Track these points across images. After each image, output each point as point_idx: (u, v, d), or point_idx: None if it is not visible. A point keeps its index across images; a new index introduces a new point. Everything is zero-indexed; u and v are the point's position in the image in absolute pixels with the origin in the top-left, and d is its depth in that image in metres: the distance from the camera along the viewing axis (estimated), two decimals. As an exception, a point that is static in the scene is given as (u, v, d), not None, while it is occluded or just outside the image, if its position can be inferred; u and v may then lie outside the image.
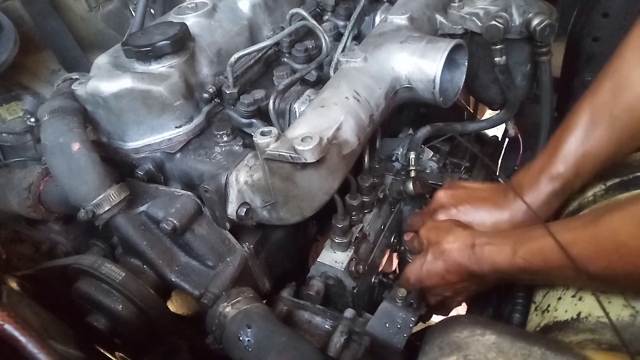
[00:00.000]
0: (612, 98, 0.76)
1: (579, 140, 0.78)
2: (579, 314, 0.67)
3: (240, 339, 0.68)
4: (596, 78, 0.79)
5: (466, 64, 0.91)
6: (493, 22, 0.93)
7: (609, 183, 0.87)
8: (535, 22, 0.93)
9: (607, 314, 0.56)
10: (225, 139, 0.85)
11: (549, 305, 0.75)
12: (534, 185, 0.82)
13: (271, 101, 0.86)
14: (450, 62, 0.88)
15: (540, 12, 0.94)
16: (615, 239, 0.59)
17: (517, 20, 0.96)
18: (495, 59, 0.98)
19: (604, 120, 0.76)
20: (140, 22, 1.37)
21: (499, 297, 0.93)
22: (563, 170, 0.80)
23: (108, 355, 0.81)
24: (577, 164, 0.79)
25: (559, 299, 0.73)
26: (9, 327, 0.44)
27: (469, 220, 0.86)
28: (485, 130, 1.25)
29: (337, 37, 1.06)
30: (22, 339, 0.44)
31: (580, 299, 0.69)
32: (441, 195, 0.90)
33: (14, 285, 0.75)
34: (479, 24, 0.98)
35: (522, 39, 0.99)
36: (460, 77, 0.92)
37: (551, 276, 0.71)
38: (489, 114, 1.60)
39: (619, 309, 0.63)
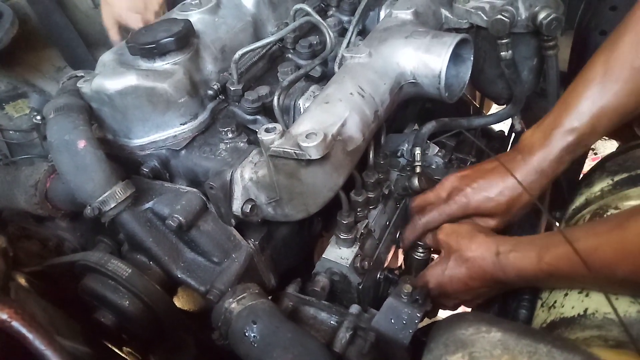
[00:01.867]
0: (633, 51, 0.73)
1: (595, 95, 0.75)
2: (585, 311, 0.67)
3: (246, 334, 0.69)
4: (612, 35, 0.77)
5: (472, 58, 0.91)
6: (499, 16, 0.92)
7: (616, 178, 0.87)
8: (541, 15, 0.92)
9: (615, 310, 0.55)
10: (230, 135, 0.85)
11: (555, 302, 0.74)
12: (545, 142, 0.79)
13: (276, 97, 0.86)
14: (455, 57, 0.87)
15: (546, 6, 0.93)
16: None
17: (523, 14, 0.95)
18: (502, 53, 0.97)
19: (623, 73, 0.74)
20: None
21: (505, 293, 0.92)
22: (577, 124, 0.77)
23: (116, 350, 0.82)
24: (593, 118, 0.76)
25: (566, 295, 0.73)
26: (16, 324, 0.45)
27: (486, 195, 0.84)
28: (492, 125, 1.24)
29: (342, 32, 1.06)
30: (30, 335, 0.45)
31: (587, 295, 0.69)
32: (452, 179, 0.89)
33: (22, 281, 0.76)
34: (485, 18, 0.97)
35: (528, 33, 0.98)
36: (465, 72, 0.92)
37: (578, 281, 0.70)
38: (495, 108, 1.59)
39: (626, 306, 0.63)
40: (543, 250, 0.69)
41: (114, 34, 1.28)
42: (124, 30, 1.27)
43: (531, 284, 0.77)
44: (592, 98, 0.76)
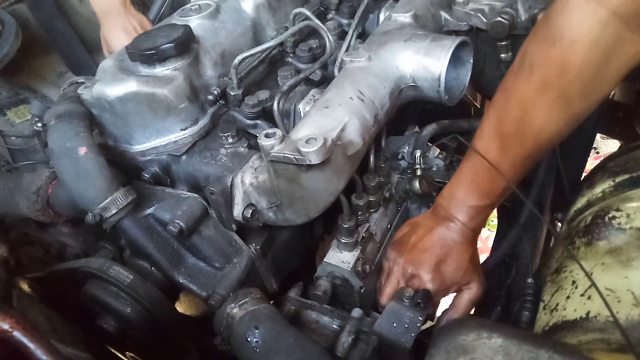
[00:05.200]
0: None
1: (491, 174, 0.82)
2: (587, 313, 0.67)
3: (248, 339, 0.69)
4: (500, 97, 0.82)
5: (472, 61, 0.91)
6: (498, 19, 0.93)
7: (618, 179, 0.86)
8: (541, 17, 0.92)
9: (613, 314, 0.55)
10: (230, 140, 0.86)
11: (557, 304, 0.74)
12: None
13: (276, 102, 0.86)
14: (455, 60, 0.87)
15: (546, 8, 0.93)
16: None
17: (523, 15, 0.95)
18: (502, 55, 0.97)
19: (517, 161, 0.80)
20: (156, 18, 1.37)
21: (508, 295, 0.92)
22: (483, 203, 0.85)
23: (119, 355, 0.82)
24: (491, 196, 0.84)
25: (568, 297, 0.73)
26: (17, 334, 0.45)
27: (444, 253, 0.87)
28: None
29: (342, 35, 1.06)
30: (31, 345, 0.45)
31: (589, 297, 0.69)
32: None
33: (24, 287, 0.76)
34: (484, 20, 0.97)
35: (528, 35, 0.98)
36: (465, 74, 0.92)
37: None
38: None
39: (628, 309, 0.62)
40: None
41: None
42: None
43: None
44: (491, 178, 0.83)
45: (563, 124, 0.76)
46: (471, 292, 0.86)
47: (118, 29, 1.24)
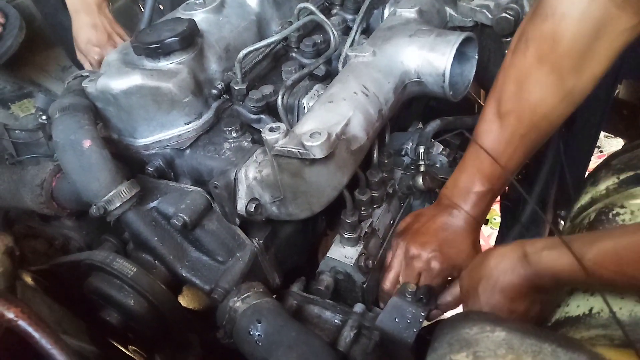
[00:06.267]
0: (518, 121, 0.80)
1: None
2: (591, 310, 0.67)
3: (251, 333, 0.69)
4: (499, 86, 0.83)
5: (476, 57, 0.90)
6: (504, 14, 0.92)
7: (622, 176, 0.86)
8: None
9: (613, 312, 0.55)
10: (234, 134, 0.86)
11: (560, 301, 0.74)
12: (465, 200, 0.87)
13: (280, 96, 0.86)
14: (460, 56, 0.87)
15: (552, 3, 0.92)
16: None
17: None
18: (506, 51, 0.96)
19: (515, 139, 0.81)
20: (149, 19, 1.38)
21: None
22: (485, 189, 0.85)
23: (121, 348, 0.82)
24: (493, 180, 0.85)
25: (571, 294, 0.72)
26: (22, 323, 0.45)
27: (451, 248, 0.86)
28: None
29: (346, 31, 1.05)
30: (36, 334, 0.45)
31: (592, 294, 0.69)
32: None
33: (28, 280, 0.76)
34: (490, 16, 0.97)
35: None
36: (470, 70, 0.91)
37: (628, 283, 0.58)
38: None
39: (631, 305, 0.62)
40: (585, 246, 0.58)
41: (87, 66, 1.30)
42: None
43: (570, 285, 0.69)
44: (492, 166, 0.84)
45: (557, 99, 0.78)
46: None
47: (87, 26, 1.26)
